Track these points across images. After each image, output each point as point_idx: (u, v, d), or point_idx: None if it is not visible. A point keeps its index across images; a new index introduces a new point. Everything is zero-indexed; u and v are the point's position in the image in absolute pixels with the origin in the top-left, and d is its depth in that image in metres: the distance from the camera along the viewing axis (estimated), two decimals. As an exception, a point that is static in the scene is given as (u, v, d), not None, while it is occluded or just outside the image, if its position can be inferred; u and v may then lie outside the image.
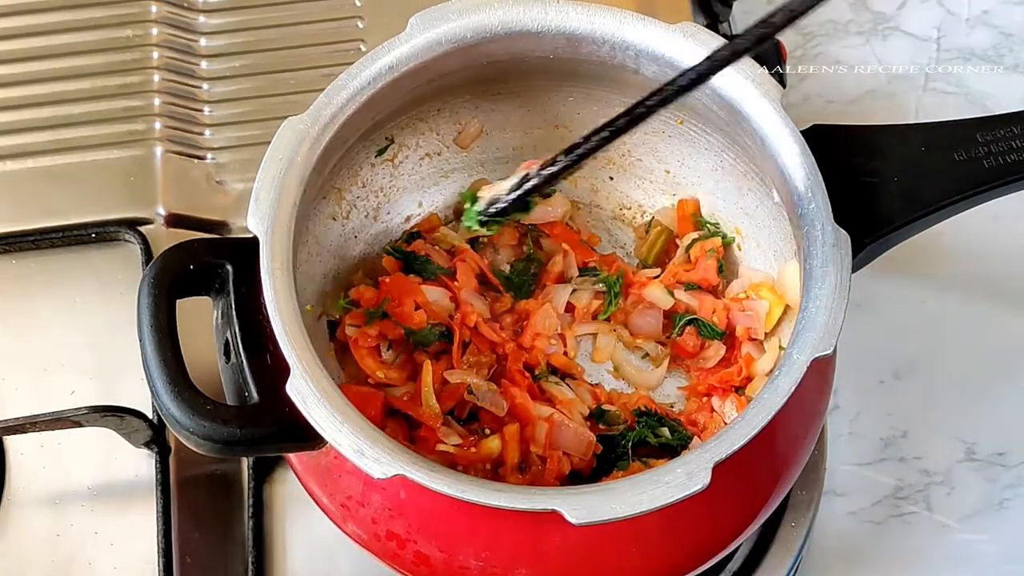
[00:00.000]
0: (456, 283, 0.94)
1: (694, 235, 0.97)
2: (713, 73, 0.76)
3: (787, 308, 0.92)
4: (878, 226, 0.85)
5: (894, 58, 1.25)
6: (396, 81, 0.86)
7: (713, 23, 1.15)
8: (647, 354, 0.96)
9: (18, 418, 0.92)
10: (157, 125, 1.07)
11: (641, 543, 0.81)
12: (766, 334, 0.93)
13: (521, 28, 0.87)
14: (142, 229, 1.03)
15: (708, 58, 0.75)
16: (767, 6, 1.28)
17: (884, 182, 0.86)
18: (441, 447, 0.86)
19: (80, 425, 0.92)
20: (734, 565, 0.96)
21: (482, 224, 0.87)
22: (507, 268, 0.97)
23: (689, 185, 0.98)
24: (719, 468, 0.74)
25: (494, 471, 0.87)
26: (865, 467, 1.07)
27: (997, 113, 0.88)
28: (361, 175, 0.95)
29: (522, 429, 0.88)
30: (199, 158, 1.07)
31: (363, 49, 1.09)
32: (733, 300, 0.94)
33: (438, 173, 0.99)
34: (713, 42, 0.85)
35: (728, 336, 0.94)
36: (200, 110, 1.09)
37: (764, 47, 0.74)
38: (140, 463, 0.97)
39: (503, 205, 0.86)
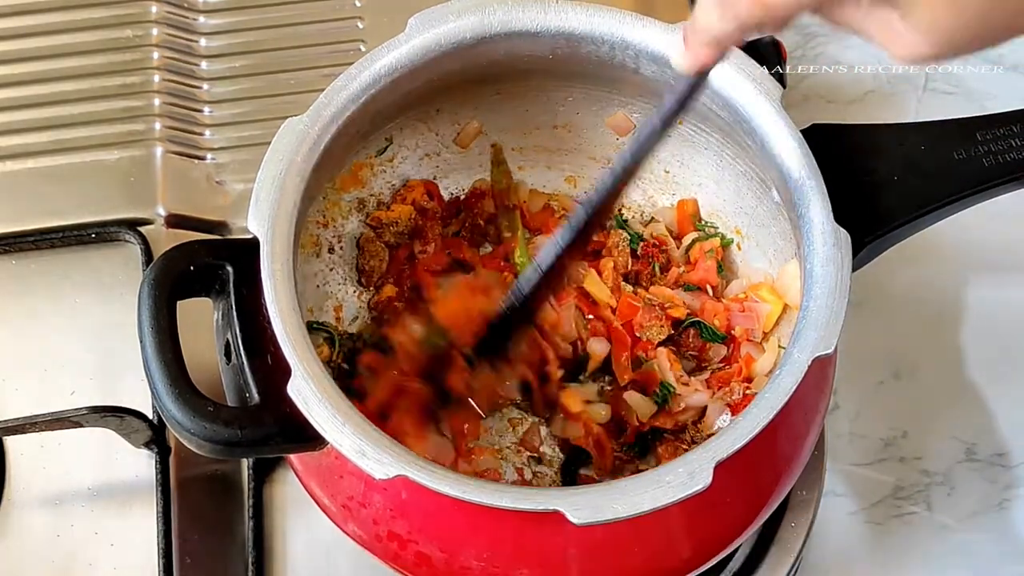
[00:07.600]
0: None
1: (694, 235, 0.97)
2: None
3: (786, 307, 0.92)
4: (878, 225, 0.85)
5: (894, 58, 1.25)
6: (396, 82, 0.86)
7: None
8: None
9: (18, 418, 0.92)
10: (157, 125, 1.07)
11: (642, 543, 0.81)
12: (765, 334, 0.93)
13: (520, 28, 0.87)
14: (142, 229, 1.03)
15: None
16: (766, 6, 1.29)
17: (884, 181, 0.86)
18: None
19: (80, 425, 0.92)
20: (735, 565, 0.96)
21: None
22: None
23: (689, 185, 0.98)
24: (720, 468, 0.74)
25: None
26: (865, 467, 1.07)
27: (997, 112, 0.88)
28: (361, 176, 0.95)
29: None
30: (199, 158, 1.07)
31: (363, 49, 1.09)
32: (733, 300, 0.94)
33: (438, 173, 0.99)
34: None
35: (728, 338, 0.94)
36: (200, 110, 1.09)
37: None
38: (140, 463, 0.97)
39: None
